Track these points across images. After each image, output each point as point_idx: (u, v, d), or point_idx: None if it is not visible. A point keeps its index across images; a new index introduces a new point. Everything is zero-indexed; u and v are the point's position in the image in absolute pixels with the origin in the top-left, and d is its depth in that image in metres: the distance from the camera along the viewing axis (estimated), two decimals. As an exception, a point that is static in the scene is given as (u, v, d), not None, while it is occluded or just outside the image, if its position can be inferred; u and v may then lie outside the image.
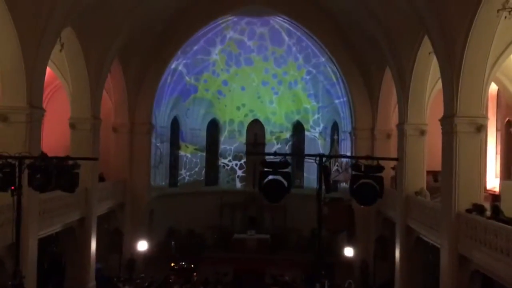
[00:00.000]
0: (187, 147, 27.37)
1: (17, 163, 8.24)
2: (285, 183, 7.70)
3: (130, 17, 17.68)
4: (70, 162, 8.81)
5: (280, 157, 7.80)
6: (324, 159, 7.47)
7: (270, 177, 7.75)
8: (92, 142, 17.81)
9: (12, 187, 8.11)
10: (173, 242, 24.14)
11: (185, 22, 22.16)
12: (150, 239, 22.43)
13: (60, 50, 14.72)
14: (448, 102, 13.51)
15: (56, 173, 8.39)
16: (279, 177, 7.73)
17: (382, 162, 7.95)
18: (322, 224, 7.76)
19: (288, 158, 8.14)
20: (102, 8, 15.83)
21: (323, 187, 7.51)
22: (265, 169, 7.79)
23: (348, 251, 21.68)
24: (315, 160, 7.40)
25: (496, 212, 12.32)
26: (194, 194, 25.96)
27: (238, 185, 28.11)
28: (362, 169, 7.78)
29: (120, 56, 19.69)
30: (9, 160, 8.28)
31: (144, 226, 22.62)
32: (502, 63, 13.97)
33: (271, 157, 8.17)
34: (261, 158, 8.39)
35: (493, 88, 18.97)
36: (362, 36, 20.28)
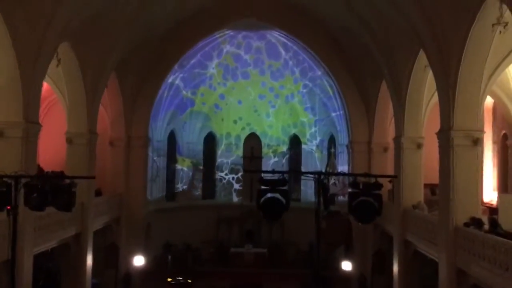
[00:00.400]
0: (184, 160, 27.32)
1: (13, 183, 8.13)
2: (283, 200, 7.66)
3: (126, 32, 17.71)
4: (67, 180, 8.69)
5: (278, 174, 7.76)
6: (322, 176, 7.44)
7: (269, 195, 7.71)
8: (88, 156, 17.68)
9: (8, 207, 7.99)
10: (169, 257, 23.96)
11: (182, 36, 22.22)
12: (146, 253, 22.21)
13: (57, 65, 14.68)
14: (444, 116, 13.54)
15: (52, 192, 8.29)
16: (277, 195, 7.68)
17: (380, 178, 7.92)
18: (320, 240, 7.71)
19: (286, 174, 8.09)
20: (99, 23, 15.86)
21: (322, 203, 7.45)
22: (263, 187, 7.76)
23: (346, 265, 21.53)
24: (314, 177, 7.36)
25: (494, 226, 12.28)
26: (191, 208, 25.82)
27: (235, 198, 27.99)
28: (361, 186, 7.75)
29: (117, 70, 19.69)
30: (5, 179, 8.18)
31: (141, 240, 22.43)
32: (498, 76, 14.06)
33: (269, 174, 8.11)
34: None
35: (489, 101, 19.04)
36: (359, 49, 20.37)
